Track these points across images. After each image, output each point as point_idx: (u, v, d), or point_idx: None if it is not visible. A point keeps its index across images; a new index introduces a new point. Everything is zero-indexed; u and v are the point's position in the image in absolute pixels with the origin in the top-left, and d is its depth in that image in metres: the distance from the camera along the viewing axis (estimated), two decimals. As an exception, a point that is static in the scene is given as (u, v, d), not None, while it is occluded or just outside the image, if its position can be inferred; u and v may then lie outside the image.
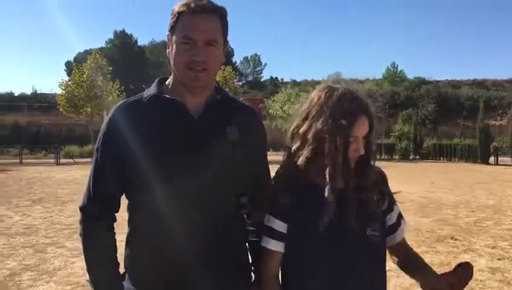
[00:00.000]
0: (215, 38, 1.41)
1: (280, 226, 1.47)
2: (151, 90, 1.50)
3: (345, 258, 1.44)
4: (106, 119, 1.49)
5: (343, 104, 1.41)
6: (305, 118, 1.48)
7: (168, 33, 1.46)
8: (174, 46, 1.42)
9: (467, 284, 1.40)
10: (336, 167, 1.40)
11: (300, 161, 1.44)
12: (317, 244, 1.44)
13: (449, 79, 71.19)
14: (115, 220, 1.52)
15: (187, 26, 1.39)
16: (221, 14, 1.44)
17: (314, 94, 1.50)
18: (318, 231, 1.42)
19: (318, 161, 1.43)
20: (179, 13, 1.41)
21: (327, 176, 1.41)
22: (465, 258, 5.72)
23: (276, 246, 1.48)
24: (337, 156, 1.40)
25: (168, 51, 1.47)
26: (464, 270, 1.41)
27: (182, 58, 1.40)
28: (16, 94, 58.21)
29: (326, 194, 1.40)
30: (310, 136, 1.43)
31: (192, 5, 1.39)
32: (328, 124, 1.40)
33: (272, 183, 1.55)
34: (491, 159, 27.92)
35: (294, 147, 1.48)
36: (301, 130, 1.47)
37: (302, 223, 1.45)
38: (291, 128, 1.53)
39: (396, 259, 1.62)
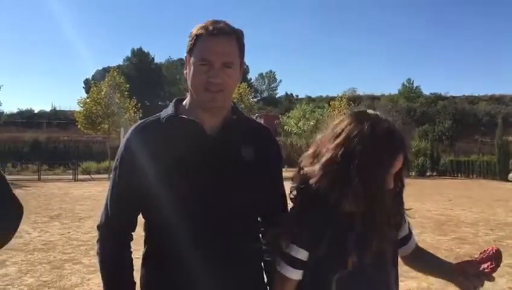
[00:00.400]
0: (232, 60, 1.44)
1: (302, 254, 1.41)
2: (168, 110, 1.53)
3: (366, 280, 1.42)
4: (124, 139, 1.52)
5: (387, 140, 1.35)
6: (346, 154, 1.35)
7: (186, 54, 1.49)
8: (192, 67, 1.45)
9: (498, 267, 1.39)
10: (373, 203, 1.37)
11: (351, 198, 1.35)
12: (341, 273, 1.40)
13: (466, 95, 70.53)
14: (131, 239, 1.54)
15: (205, 48, 1.42)
16: (237, 36, 1.47)
17: (352, 124, 1.38)
18: (342, 262, 1.39)
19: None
20: (197, 36, 1.44)
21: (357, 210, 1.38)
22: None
23: (295, 274, 1.44)
24: (376, 194, 1.35)
25: (185, 71, 1.50)
26: (493, 254, 1.40)
27: (199, 79, 1.43)
28: (36, 111, 59.45)
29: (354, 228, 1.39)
30: (352, 172, 1.34)
31: (210, 27, 1.42)
32: (372, 163, 1.33)
33: (296, 211, 1.47)
34: (510, 176, 27.39)
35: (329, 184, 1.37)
36: (340, 165, 1.36)
37: (328, 254, 1.39)
38: (325, 159, 1.38)
39: (417, 266, 1.63)
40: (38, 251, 6.99)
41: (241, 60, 1.50)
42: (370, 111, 1.44)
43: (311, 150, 1.48)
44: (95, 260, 1.54)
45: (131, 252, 1.53)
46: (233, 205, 1.45)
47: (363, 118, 1.39)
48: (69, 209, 12.14)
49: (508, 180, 26.27)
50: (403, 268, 1.59)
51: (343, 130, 1.38)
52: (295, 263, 1.43)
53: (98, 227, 1.52)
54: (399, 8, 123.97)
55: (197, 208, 1.42)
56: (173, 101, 1.58)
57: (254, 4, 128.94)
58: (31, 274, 5.63)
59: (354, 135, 1.35)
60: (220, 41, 1.42)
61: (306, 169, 1.44)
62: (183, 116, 1.49)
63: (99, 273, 1.53)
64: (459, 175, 31.35)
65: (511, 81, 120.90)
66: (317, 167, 1.40)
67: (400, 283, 1.54)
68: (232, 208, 1.45)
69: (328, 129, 1.45)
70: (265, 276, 1.60)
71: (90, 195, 15.87)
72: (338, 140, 1.38)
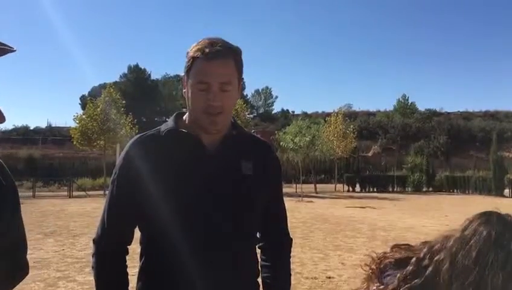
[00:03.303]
0: (229, 81, 1.42)
1: None
2: (168, 124, 1.53)
3: None
4: (123, 152, 1.51)
5: None
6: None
7: (184, 74, 1.48)
8: (190, 89, 1.44)
9: None
10: None
11: None
12: None
13: (461, 111, 71.05)
14: (127, 253, 1.53)
15: (201, 71, 1.40)
16: (235, 55, 1.45)
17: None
18: None
19: None
20: (193, 58, 1.42)
21: None
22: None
23: None
24: None
25: (184, 91, 1.49)
26: None
27: (198, 103, 1.42)
28: (31, 127, 59.17)
29: None
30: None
31: (207, 50, 1.39)
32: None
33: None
34: (506, 192, 27.46)
35: None
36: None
37: None
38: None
39: None
40: (31, 268, 6.80)
41: (239, 77, 1.48)
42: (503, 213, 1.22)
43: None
44: (90, 278, 1.53)
45: (126, 266, 1.51)
46: (233, 219, 1.45)
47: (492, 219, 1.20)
48: (63, 226, 12.02)
49: (504, 196, 26.32)
50: None
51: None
52: None
53: (94, 241, 1.51)
54: (394, 24, 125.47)
55: (195, 222, 1.41)
56: (174, 115, 1.57)
57: (249, 21, 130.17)
58: (24, 292, 5.54)
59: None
60: (216, 65, 1.39)
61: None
62: (183, 130, 1.48)
63: (94, 291, 1.50)
64: (455, 191, 31.41)
65: (505, 97, 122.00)
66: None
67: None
68: (231, 222, 1.44)
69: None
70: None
71: (85, 212, 15.74)
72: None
